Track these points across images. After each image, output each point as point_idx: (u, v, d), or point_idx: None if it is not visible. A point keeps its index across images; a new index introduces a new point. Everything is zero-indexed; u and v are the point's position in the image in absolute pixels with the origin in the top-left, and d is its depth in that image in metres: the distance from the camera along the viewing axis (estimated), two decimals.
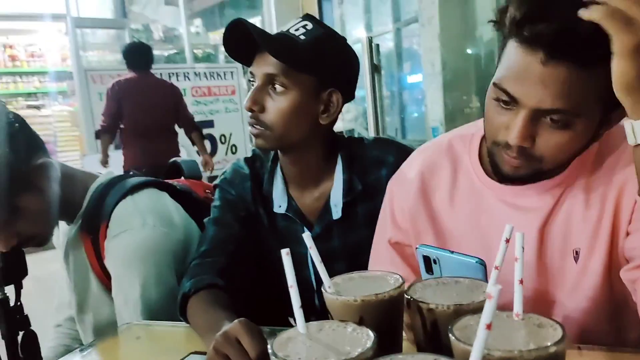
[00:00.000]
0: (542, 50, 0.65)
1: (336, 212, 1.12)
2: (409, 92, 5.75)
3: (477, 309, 0.51)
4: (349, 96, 1.12)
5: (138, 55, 3.88)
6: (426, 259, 0.76)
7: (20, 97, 6.99)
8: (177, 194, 1.27)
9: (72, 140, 6.58)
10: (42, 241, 1.16)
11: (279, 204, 1.15)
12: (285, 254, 0.52)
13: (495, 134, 0.74)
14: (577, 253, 0.78)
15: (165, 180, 1.31)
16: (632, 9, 0.59)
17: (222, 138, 6.28)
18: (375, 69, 2.05)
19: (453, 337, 0.46)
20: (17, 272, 1.13)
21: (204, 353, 0.83)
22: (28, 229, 1.10)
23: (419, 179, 0.92)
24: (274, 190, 1.16)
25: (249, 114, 1.05)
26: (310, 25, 1.05)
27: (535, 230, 0.80)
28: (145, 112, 3.77)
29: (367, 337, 0.48)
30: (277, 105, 1.03)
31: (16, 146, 1.04)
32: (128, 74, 3.88)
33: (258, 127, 1.04)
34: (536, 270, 0.81)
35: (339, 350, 0.46)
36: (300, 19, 1.06)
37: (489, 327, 0.37)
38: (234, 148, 6.21)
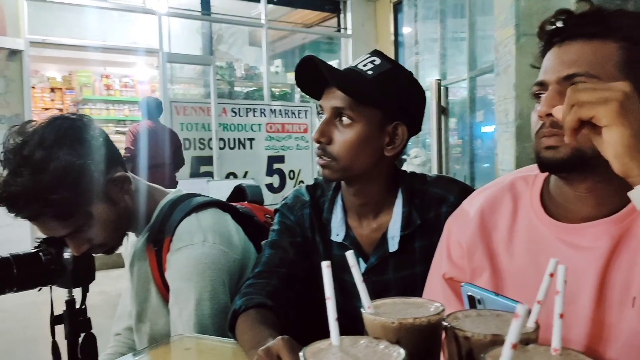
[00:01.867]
0: (557, 37, 0.80)
1: (393, 245, 1.12)
2: (481, 141, 5.66)
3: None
4: (414, 130, 1.14)
5: (152, 108, 5.06)
6: (471, 298, 0.74)
7: (111, 123, 7.55)
8: (239, 216, 1.32)
9: None
10: (111, 249, 1.24)
11: (337, 233, 1.17)
12: (326, 267, 0.54)
13: (534, 129, 0.80)
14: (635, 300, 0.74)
15: (229, 203, 1.37)
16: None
17: (291, 173, 6.44)
18: (442, 111, 2.05)
19: None
20: (85, 276, 1.21)
21: None
22: (99, 236, 1.18)
23: (478, 217, 0.92)
24: (333, 219, 1.18)
25: (317, 145, 1.09)
26: (377, 61, 1.09)
27: (595, 273, 0.76)
28: (151, 150, 4.89)
29: (397, 355, 0.48)
30: (344, 137, 1.06)
31: (98, 158, 1.13)
32: (142, 122, 5.06)
33: (325, 158, 1.08)
34: (591, 320, 0.77)
35: None
36: (369, 55, 1.11)
37: (514, 346, 0.36)
38: (302, 184, 6.33)
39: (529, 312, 0.38)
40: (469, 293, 0.74)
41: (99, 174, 1.14)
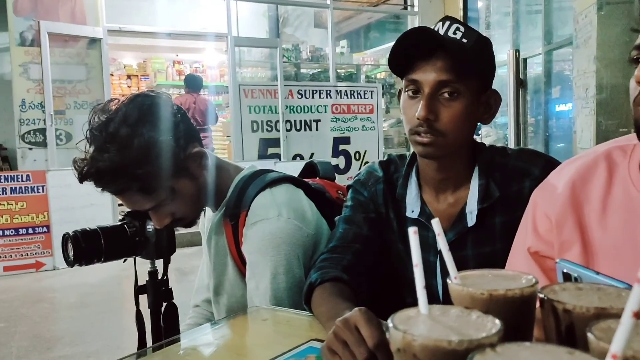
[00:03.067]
0: None
1: (471, 220, 1.08)
2: (555, 120, 5.38)
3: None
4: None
5: (194, 82, 6.29)
6: (566, 276, 0.70)
7: None
8: (311, 192, 1.32)
9: (222, 149, 7.17)
10: (190, 223, 1.27)
11: (412, 209, 1.15)
12: (413, 233, 0.52)
13: (632, 95, 0.75)
14: None
15: (302, 179, 1.38)
16: None
17: (357, 155, 6.41)
18: (520, 84, 1.94)
19: (592, 336, 0.42)
20: (167, 248, 1.25)
21: (323, 341, 0.84)
22: (180, 210, 1.21)
23: (569, 188, 0.86)
24: (407, 195, 1.16)
25: (415, 123, 1.03)
26: (462, 28, 1.04)
27: None
28: (191, 116, 5.88)
29: (492, 324, 0.46)
30: (451, 111, 1.02)
31: (177, 134, 1.16)
32: (185, 95, 6.33)
33: (429, 135, 1.03)
34: None
35: (461, 332, 0.45)
36: (448, 22, 1.05)
37: (636, 315, 0.33)
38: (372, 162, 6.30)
39: None
40: (565, 270, 0.69)
41: (178, 150, 1.17)
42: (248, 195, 1.24)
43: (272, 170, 1.33)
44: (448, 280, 0.59)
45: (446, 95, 1.02)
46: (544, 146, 5.41)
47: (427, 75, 1.02)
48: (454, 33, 1.03)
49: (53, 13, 5.31)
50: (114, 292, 4.21)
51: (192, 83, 6.30)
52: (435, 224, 0.58)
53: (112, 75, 7.04)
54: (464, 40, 1.03)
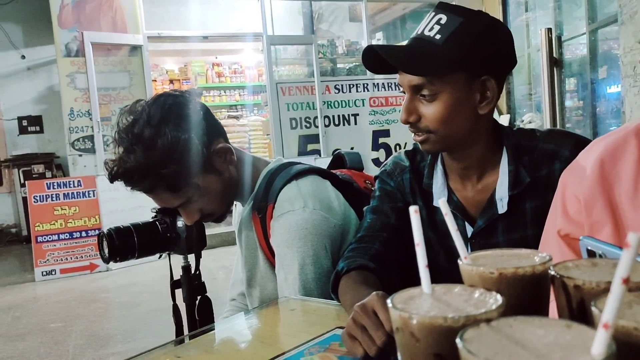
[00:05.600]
0: None
1: (501, 207, 1.06)
2: (604, 101, 5.15)
3: (634, 289, 0.44)
4: (504, 78, 1.06)
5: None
6: (590, 253, 0.67)
7: (224, 108, 7.96)
8: (339, 183, 1.32)
9: (262, 147, 7.26)
10: (220, 217, 1.30)
11: (439, 198, 1.13)
12: (414, 212, 0.51)
13: None
14: None
15: (329, 170, 1.38)
16: None
17: (397, 147, 6.35)
18: (555, 63, 1.86)
19: (595, 310, 0.40)
20: (198, 243, 1.28)
21: None
22: (209, 206, 1.24)
23: (598, 167, 0.83)
24: (434, 184, 1.14)
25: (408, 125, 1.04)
26: (444, 19, 0.99)
27: None
28: None
29: (494, 301, 0.45)
30: (432, 110, 1.00)
31: (200, 131, 1.19)
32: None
33: (420, 133, 1.04)
34: None
35: (459, 309, 0.44)
36: (434, 13, 1.01)
37: (625, 281, 0.32)
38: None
39: None
40: (589, 247, 0.67)
41: (203, 147, 1.19)
42: (274, 188, 1.25)
43: (298, 163, 1.33)
44: (458, 261, 0.58)
45: (425, 94, 0.99)
46: (592, 129, 5.20)
47: (403, 79, 1.02)
48: (431, 29, 0.99)
49: (95, 23, 5.51)
50: (164, 291, 4.31)
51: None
52: (442, 204, 0.57)
53: (155, 80, 7.24)
54: (437, 37, 0.98)
